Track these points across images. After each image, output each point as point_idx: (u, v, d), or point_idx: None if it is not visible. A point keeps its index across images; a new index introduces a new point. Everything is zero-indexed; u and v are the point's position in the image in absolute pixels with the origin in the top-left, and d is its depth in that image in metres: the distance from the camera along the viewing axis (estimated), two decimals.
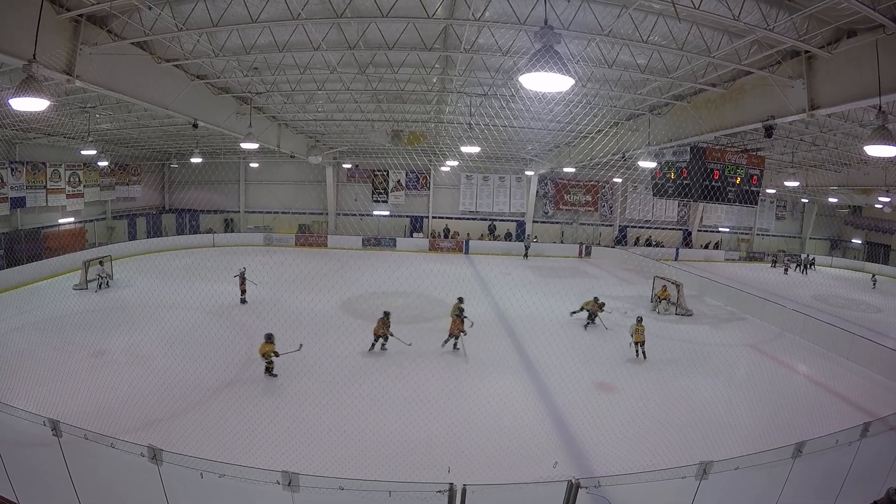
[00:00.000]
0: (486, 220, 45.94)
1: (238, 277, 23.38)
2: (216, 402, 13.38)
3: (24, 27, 10.17)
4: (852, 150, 23.63)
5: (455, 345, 18.32)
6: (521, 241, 43.47)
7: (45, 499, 7.79)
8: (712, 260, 44.60)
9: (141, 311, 20.55)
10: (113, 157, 35.09)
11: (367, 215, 44.90)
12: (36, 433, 7.24)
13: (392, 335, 17.82)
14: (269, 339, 15.11)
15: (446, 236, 44.54)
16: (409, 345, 17.77)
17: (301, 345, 15.22)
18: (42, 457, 7.49)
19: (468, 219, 45.84)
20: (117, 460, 6.89)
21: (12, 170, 28.98)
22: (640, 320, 18.68)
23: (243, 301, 23.14)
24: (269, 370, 15.26)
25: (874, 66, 10.55)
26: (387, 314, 18.08)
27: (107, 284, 25.29)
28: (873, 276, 38.80)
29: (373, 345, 17.87)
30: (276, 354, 15.03)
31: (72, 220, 34.56)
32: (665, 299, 25.10)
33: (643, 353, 18.15)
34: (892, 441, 9.36)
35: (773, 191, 39.92)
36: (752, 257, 46.18)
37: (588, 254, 43.14)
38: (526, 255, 41.31)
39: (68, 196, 33.38)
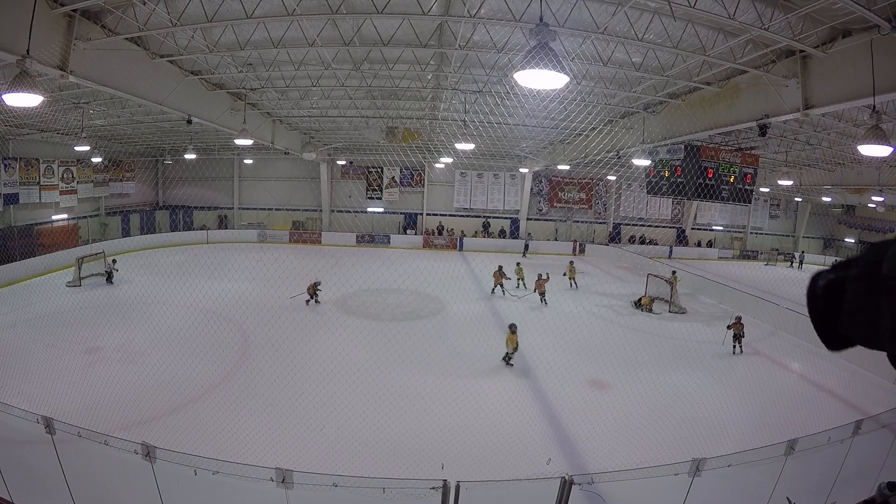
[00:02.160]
0: (480, 217, 46.00)
1: (311, 287, 23.16)
2: (210, 400, 13.36)
3: (18, 22, 10.13)
4: (846, 149, 23.71)
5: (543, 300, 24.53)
6: (520, 238, 43.46)
7: (39, 496, 7.77)
8: (706, 258, 44.73)
9: (134, 308, 20.49)
10: (106, 154, 34.97)
11: (362, 212, 44.80)
12: (29, 431, 7.23)
13: (504, 282, 25.75)
14: (515, 329, 16.47)
15: (440, 233, 44.54)
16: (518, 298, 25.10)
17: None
18: (36, 454, 7.47)
19: (462, 216, 45.88)
20: (111, 458, 6.89)
21: (5, 166, 28.89)
22: (544, 276, 25.00)
23: (308, 302, 23.03)
24: (508, 359, 16.63)
25: (869, 66, 10.59)
26: (500, 266, 26.13)
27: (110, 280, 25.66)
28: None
29: (493, 290, 25.84)
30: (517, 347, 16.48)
31: (65, 216, 34.44)
32: (648, 307, 25.00)
33: (545, 300, 24.35)
34: (885, 438, 9.41)
35: (767, 189, 40.16)
36: (745, 255, 46.36)
37: (582, 251, 43.19)
38: (525, 254, 40.74)
39: (62, 192, 33.28)
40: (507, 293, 25.72)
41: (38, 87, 9.82)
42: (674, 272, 26.81)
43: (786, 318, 22.75)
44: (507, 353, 16.59)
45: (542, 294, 24.47)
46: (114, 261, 26.44)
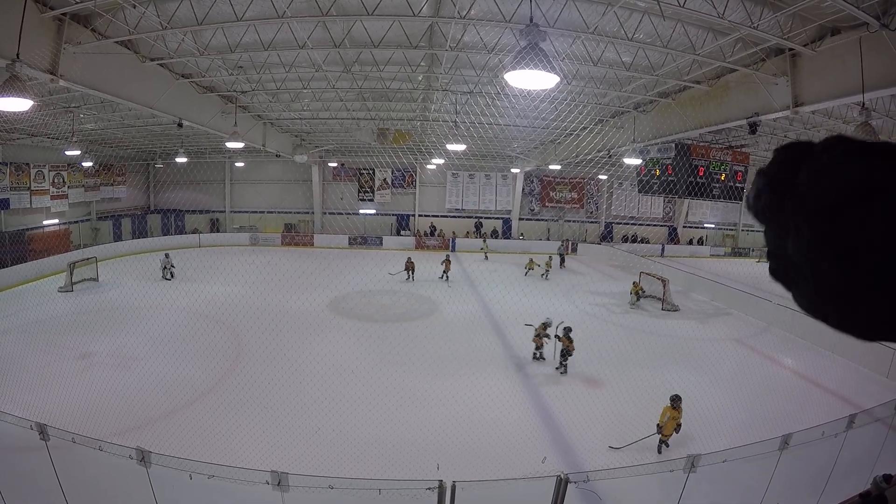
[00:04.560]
0: (472, 217, 46.02)
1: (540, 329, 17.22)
2: (204, 404, 13.31)
3: (8, 26, 10.08)
4: None
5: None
6: (521, 240, 43.28)
7: (35, 503, 7.74)
8: (697, 256, 44.86)
9: (127, 313, 20.37)
10: (97, 158, 34.75)
11: (354, 214, 44.74)
12: (23, 437, 7.19)
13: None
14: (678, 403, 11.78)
15: (432, 234, 44.54)
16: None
17: None
18: (30, 461, 7.44)
19: (454, 216, 45.90)
20: (105, 463, 6.86)
21: None
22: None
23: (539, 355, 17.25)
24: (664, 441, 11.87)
25: (858, 63, 10.66)
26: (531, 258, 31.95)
27: (171, 276, 26.44)
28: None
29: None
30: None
31: (56, 221, 34.29)
32: (636, 293, 25.43)
33: (447, 277, 28.36)
34: (878, 432, 9.49)
35: None
36: (737, 253, 46.47)
37: (574, 250, 43.20)
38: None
39: (52, 197, 33.11)
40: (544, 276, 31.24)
41: (28, 92, 9.78)
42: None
43: (779, 314, 22.84)
44: (663, 435, 11.75)
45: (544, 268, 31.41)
46: (167, 255, 26.54)
